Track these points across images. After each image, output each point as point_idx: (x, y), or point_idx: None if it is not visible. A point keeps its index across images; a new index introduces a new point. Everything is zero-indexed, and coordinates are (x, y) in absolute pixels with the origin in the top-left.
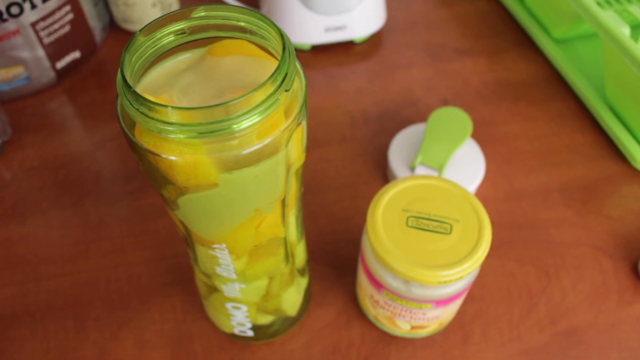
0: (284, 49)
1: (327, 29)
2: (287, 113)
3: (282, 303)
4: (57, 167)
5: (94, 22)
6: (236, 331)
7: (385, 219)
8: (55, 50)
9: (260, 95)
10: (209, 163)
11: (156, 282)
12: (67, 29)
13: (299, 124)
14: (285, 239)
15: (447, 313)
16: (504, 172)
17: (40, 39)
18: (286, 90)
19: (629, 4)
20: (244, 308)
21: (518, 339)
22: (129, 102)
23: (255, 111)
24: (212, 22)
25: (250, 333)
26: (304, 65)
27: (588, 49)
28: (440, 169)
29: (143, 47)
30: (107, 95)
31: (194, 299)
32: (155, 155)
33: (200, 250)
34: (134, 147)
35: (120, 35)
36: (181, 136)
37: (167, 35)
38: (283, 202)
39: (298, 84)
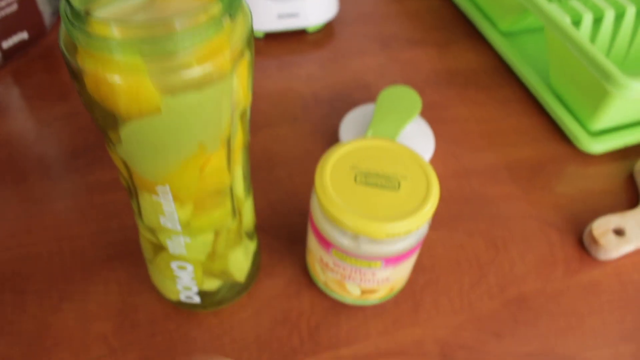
0: None
1: (280, 16)
2: (231, 43)
3: (229, 265)
4: None
5: (43, 5)
6: (182, 297)
7: (333, 176)
8: (1, 29)
9: (203, 16)
10: (151, 84)
11: (101, 255)
12: (14, 7)
13: (243, 56)
14: (231, 190)
15: (397, 276)
16: (453, 151)
17: None
18: (230, 15)
19: (569, 0)
20: (190, 268)
21: (469, 306)
22: (71, 22)
23: (198, 30)
24: None
25: (197, 299)
26: (257, 53)
27: (532, 42)
28: None
29: None
30: (56, 78)
31: (140, 270)
32: (98, 79)
33: (145, 198)
34: (76, 75)
35: None
36: (123, 54)
37: None
38: (228, 145)
39: (242, 18)
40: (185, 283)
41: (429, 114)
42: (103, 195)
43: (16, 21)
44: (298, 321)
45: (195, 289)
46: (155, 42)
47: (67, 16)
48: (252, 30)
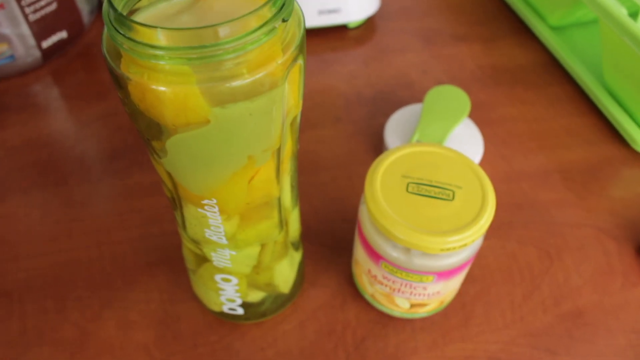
0: None
1: (321, 12)
2: (283, 49)
3: (274, 277)
4: (40, 146)
5: (82, 4)
6: (225, 309)
7: (384, 186)
8: (40, 29)
9: (255, 21)
10: (200, 94)
11: (141, 261)
12: (53, 6)
13: (296, 61)
14: (279, 201)
15: (449, 289)
16: (503, 154)
17: (25, 16)
18: (283, 20)
19: None
20: (234, 280)
21: (521, 320)
22: (115, 28)
23: (249, 37)
24: None
25: (240, 311)
26: None
27: (584, 37)
28: None
29: None
30: (94, 77)
31: (181, 278)
32: (143, 88)
33: (189, 211)
34: (120, 83)
35: None
36: (170, 62)
37: None
38: (278, 155)
39: (295, 20)
40: (228, 295)
41: (475, 114)
42: (142, 199)
43: (55, 20)
44: (344, 334)
45: (239, 301)
46: (204, 49)
47: (110, 22)
48: (304, 34)
